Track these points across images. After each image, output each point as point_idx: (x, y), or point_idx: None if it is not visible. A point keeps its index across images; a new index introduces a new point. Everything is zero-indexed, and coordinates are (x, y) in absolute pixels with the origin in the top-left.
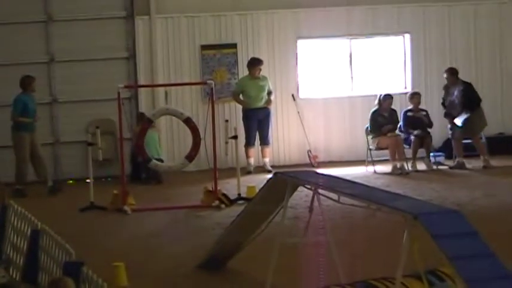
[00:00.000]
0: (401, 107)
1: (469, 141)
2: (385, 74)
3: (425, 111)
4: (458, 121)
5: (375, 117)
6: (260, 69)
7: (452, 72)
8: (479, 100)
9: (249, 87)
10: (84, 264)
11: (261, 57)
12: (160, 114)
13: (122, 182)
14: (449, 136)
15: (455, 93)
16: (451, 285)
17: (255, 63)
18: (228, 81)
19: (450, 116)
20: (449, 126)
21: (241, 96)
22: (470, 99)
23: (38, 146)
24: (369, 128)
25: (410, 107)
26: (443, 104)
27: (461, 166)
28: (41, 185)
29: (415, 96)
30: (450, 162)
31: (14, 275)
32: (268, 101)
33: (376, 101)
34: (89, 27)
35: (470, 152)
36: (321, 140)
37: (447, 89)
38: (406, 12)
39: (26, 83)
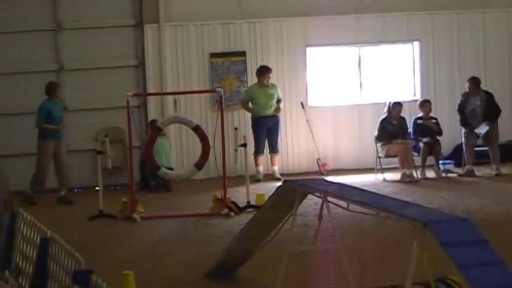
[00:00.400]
0: (410, 115)
1: (480, 148)
2: (394, 82)
3: (435, 119)
4: (480, 131)
5: (384, 124)
6: (269, 77)
7: (475, 82)
8: (499, 111)
9: (258, 95)
10: (94, 272)
11: (270, 65)
12: (170, 122)
13: (131, 190)
14: (462, 142)
15: (477, 102)
16: None
17: (264, 71)
18: (237, 89)
19: (470, 126)
20: (464, 132)
21: (250, 104)
22: (493, 110)
23: (61, 153)
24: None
25: (420, 114)
26: (460, 110)
27: (470, 174)
28: (51, 194)
29: (425, 104)
30: (459, 170)
31: (23, 284)
32: (277, 109)
33: (386, 109)
34: (98, 36)
35: (479, 159)
36: (330, 147)
37: (467, 97)
38: (415, 19)
39: (51, 89)
